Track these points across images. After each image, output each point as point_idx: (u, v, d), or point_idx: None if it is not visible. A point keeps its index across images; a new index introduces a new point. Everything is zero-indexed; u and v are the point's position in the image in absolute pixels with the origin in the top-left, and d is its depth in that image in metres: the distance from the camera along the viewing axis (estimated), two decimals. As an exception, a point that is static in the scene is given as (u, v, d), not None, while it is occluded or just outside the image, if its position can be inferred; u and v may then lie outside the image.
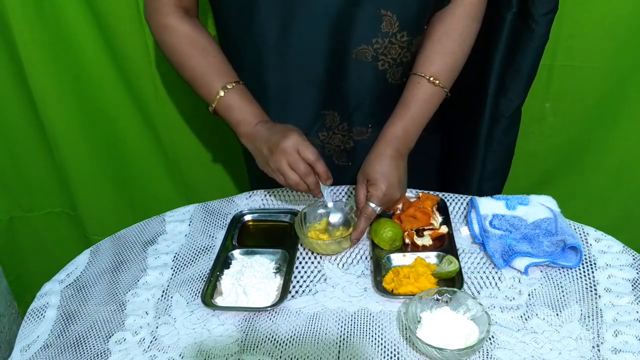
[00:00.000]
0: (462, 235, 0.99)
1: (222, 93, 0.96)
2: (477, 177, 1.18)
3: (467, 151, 1.18)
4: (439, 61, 0.97)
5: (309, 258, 0.96)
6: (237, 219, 1.06)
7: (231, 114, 0.97)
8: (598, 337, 0.78)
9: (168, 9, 0.97)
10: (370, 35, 0.94)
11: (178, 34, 0.97)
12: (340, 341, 0.80)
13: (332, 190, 1.11)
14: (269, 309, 0.85)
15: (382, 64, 0.98)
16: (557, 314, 0.82)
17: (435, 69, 0.97)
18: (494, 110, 1.12)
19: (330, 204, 1.00)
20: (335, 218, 1.01)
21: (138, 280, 0.94)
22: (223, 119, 0.99)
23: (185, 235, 1.04)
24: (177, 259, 0.98)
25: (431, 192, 1.06)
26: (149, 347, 0.82)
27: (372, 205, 0.94)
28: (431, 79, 0.97)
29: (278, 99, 1.03)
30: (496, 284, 0.88)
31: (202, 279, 0.93)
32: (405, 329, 0.81)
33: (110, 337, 0.84)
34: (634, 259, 0.91)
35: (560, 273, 0.89)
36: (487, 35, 1.04)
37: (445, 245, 0.96)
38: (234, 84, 0.97)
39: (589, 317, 0.81)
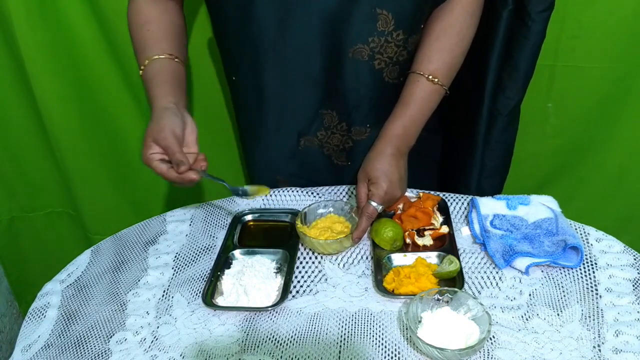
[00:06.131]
0: (463, 235, 0.99)
1: (142, 67, 0.94)
2: (476, 175, 1.18)
3: (466, 149, 1.18)
4: (437, 59, 0.97)
5: (310, 258, 0.96)
6: (238, 219, 1.06)
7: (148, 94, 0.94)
8: (599, 337, 0.78)
9: None
10: (366, 34, 0.94)
11: (141, 12, 0.97)
12: (341, 341, 0.80)
13: (331, 190, 1.11)
14: (269, 309, 0.85)
15: (378, 62, 0.98)
16: (558, 314, 0.82)
17: (434, 67, 0.97)
18: (492, 108, 1.12)
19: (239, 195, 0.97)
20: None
21: (139, 280, 0.94)
22: None
23: (186, 235, 1.04)
24: (178, 258, 0.98)
25: (432, 192, 1.06)
26: (149, 347, 0.82)
27: (374, 204, 0.94)
28: (430, 77, 0.97)
29: (276, 98, 1.03)
30: (497, 284, 0.88)
31: (203, 279, 0.93)
32: (406, 329, 0.81)
33: (111, 337, 0.84)
34: (634, 259, 0.91)
35: (561, 273, 0.89)
36: (484, 33, 1.04)
37: (446, 245, 0.95)
38: (157, 57, 0.93)
39: (589, 317, 0.81)
